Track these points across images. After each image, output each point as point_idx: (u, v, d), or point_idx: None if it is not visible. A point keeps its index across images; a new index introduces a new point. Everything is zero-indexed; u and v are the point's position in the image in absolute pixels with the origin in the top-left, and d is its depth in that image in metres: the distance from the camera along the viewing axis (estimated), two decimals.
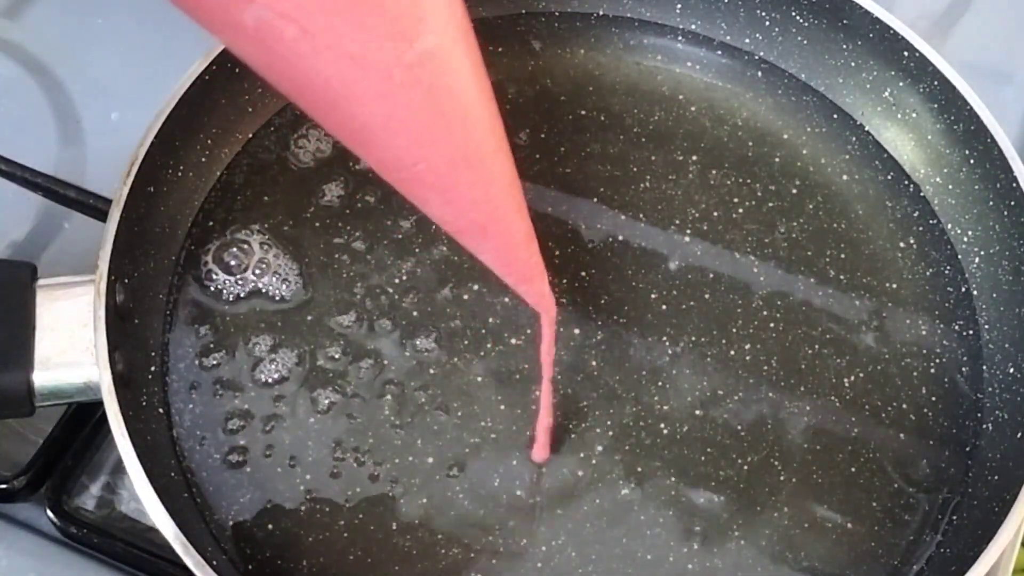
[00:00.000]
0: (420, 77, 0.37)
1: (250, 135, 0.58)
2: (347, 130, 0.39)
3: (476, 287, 0.54)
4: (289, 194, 0.56)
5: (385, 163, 0.41)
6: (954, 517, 0.50)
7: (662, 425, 0.51)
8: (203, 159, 0.56)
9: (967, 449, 0.52)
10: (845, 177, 0.59)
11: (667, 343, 0.53)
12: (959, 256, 0.57)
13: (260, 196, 0.56)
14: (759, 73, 0.62)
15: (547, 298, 0.47)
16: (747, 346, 0.53)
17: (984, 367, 0.54)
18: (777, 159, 0.59)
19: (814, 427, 0.52)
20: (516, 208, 0.43)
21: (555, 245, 0.55)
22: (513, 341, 0.53)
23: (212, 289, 0.53)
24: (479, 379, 0.52)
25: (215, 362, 0.52)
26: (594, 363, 0.53)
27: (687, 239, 0.56)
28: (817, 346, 0.54)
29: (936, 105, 0.57)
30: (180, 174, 0.55)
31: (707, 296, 0.55)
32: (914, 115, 0.58)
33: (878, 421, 0.52)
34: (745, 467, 0.51)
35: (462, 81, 0.38)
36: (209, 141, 0.56)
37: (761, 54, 0.62)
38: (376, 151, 0.40)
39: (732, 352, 0.53)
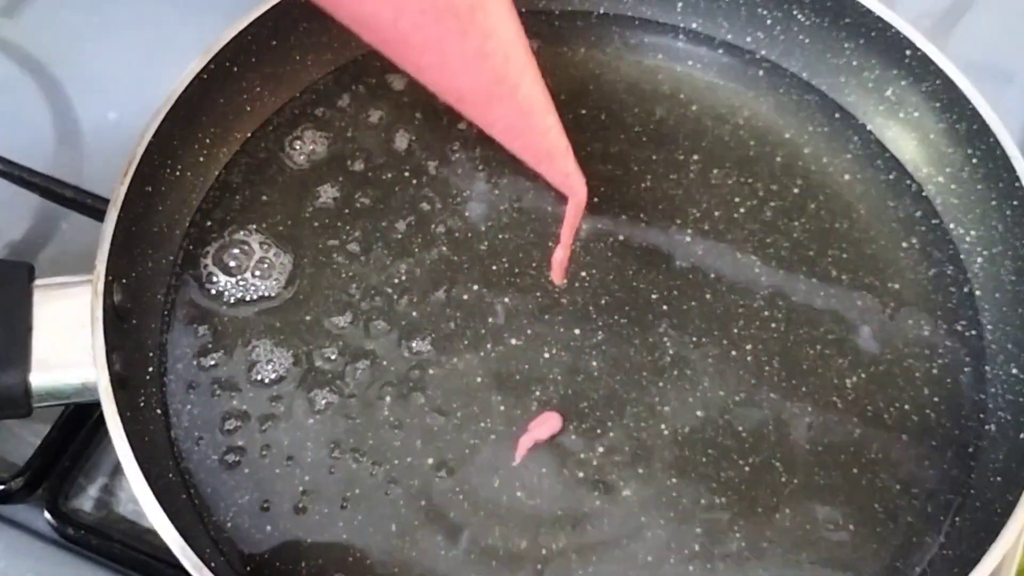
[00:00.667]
0: None
1: (248, 134, 0.57)
2: None
3: (476, 287, 0.54)
4: (286, 195, 0.56)
5: (367, 23, 0.37)
6: (956, 519, 0.50)
7: (662, 426, 0.51)
8: (201, 159, 0.56)
9: (970, 450, 0.52)
10: (847, 177, 0.59)
11: (667, 343, 0.53)
12: (961, 256, 0.57)
13: (258, 196, 0.56)
14: (760, 72, 0.61)
15: (573, 177, 0.43)
16: (748, 346, 0.53)
17: (987, 368, 0.54)
18: (779, 158, 0.59)
19: (816, 428, 0.52)
20: (522, 71, 0.39)
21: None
22: (513, 341, 0.53)
23: (210, 290, 0.53)
24: (479, 379, 0.52)
25: (213, 362, 0.51)
26: (594, 363, 0.52)
27: (688, 239, 0.56)
28: (819, 346, 0.54)
29: (938, 104, 0.57)
30: (178, 174, 0.54)
31: (708, 296, 0.54)
32: (916, 114, 0.58)
33: (880, 422, 0.52)
34: (746, 468, 0.51)
35: None
36: (207, 141, 0.56)
37: (763, 53, 0.62)
38: (352, 7, 0.37)
39: (733, 352, 0.53)
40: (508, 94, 0.40)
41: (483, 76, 0.39)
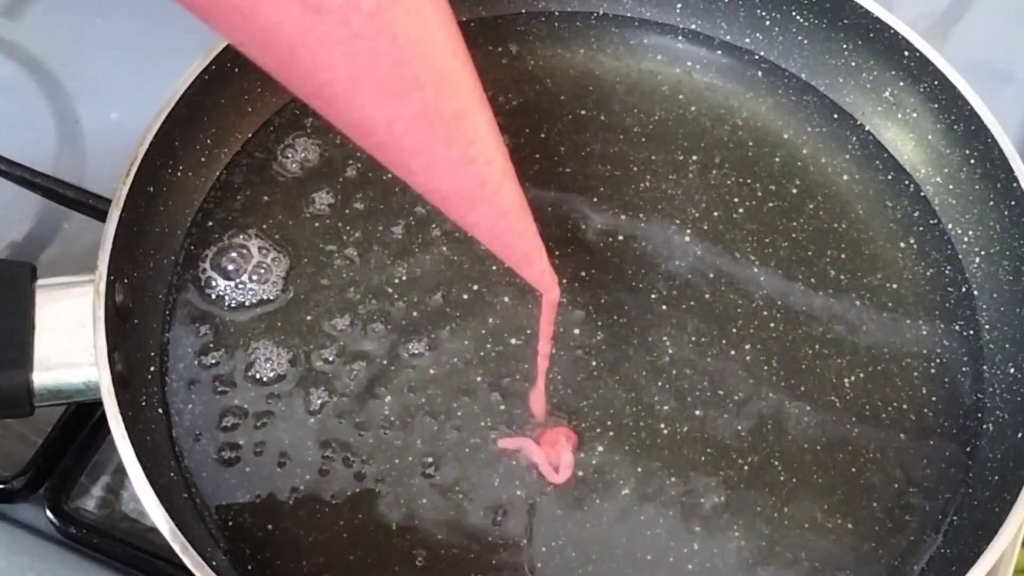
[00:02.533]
0: (380, 25, 0.36)
1: (249, 135, 0.57)
2: (311, 86, 0.38)
3: (476, 287, 0.54)
4: (286, 197, 0.56)
5: (357, 125, 0.39)
6: (954, 517, 0.50)
7: (662, 425, 0.51)
8: (202, 159, 0.56)
9: (967, 449, 0.52)
10: (845, 177, 0.59)
11: (667, 343, 0.53)
12: (959, 256, 0.57)
13: (259, 197, 0.56)
14: (759, 73, 0.62)
15: (547, 277, 0.46)
16: (747, 346, 0.53)
17: (984, 367, 0.54)
18: (777, 159, 0.59)
19: (814, 427, 0.52)
20: (502, 174, 0.42)
21: (555, 245, 0.55)
22: (513, 341, 0.53)
23: (209, 294, 0.53)
24: (478, 379, 0.52)
25: (213, 361, 0.52)
26: (594, 363, 0.53)
27: (687, 239, 0.56)
28: (817, 346, 0.54)
29: (936, 105, 0.57)
30: (179, 174, 0.54)
31: (707, 296, 0.55)
32: (914, 115, 0.58)
33: (878, 421, 0.52)
34: (745, 467, 0.51)
35: (428, 31, 0.37)
36: (208, 141, 0.56)
37: (761, 53, 0.62)
38: (344, 110, 0.39)
39: (732, 352, 0.53)
40: (489, 197, 0.42)
41: (467, 179, 0.41)
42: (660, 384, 0.52)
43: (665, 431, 0.51)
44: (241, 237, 0.55)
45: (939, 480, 0.51)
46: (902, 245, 0.57)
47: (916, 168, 0.59)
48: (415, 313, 0.53)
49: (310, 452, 0.50)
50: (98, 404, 0.46)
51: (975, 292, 0.56)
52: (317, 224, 0.55)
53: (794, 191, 0.58)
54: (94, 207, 0.57)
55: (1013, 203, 0.54)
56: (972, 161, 0.56)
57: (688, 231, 0.56)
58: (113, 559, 0.51)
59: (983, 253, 0.56)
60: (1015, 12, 0.72)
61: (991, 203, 0.55)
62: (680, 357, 0.53)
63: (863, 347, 0.54)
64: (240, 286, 0.53)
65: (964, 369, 0.54)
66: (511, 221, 0.43)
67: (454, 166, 0.40)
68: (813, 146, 0.60)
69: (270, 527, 0.49)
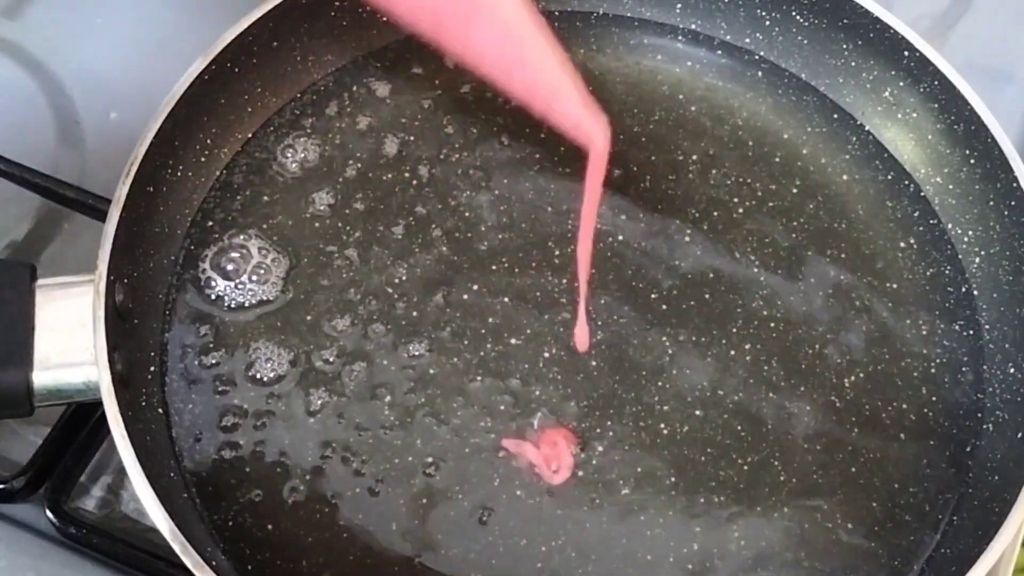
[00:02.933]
0: None
1: (249, 135, 0.57)
2: None
3: (476, 287, 0.54)
4: (286, 197, 0.56)
5: None
6: (954, 517, 0.50)
7: (662, 425, 0.51)
8: (202, 159, 0.56)
9: (967, 449, 0.52)
10: (845, 177, 0.59)
11: (667, 343, 0.53)
12: (959, 256, 0.57)
13: (259, 197, 0.56)
14: (759, 73, 0.62)
15: (588, 120, 0.40)
16: (747, 346, 0.53)
17: (984, 367, 0.54)
18: (777, 159, 0.59)
19: (814, 427, 0.52)
20: None
21: (554, 246, 0.55)
22: (513, 341, 0.53)
23: (210, 291, 0.53)
24: (478, 379, 0.52)
25: (213, 361, 0.52)
26: (594, 363, 0.53)
27: (687, 239, 0.56)
28: (817, 346, 0.54)
29: (936, 105, 0.57)
30: (179, 174, 0.54)
31: (707, 296, 0.55)
32: (914, 115, 0.58)
33: (878, 421, 0.52)
34: (745, 467, 0.51)
35: None
36: (208, 141, 0.56)
37: (761, 53, 0.62)
38: None
39: (732, 352, 0.53)
40: (487, 12, 0.36)
41: None
42: (660, 384, 0.52)
43: (665, 431, 0.51)
44: (241, 237, 0.55)
45: (939, 480, 0.51)
46: (902, 245, 0.57)
47: (916, 168, 0.59)
48: (415, 313, 0.53)
49: (310, 452, 0.50)
50: (98, 404, 0.46)
51: (975, 292, 0.56)
52: (317, 224, 0.55)
53: (794, 191, 0.58)
54: (94, 207, 0.57)
55: (1013, 203, 0.54)
56: (972, 161, 0.56)
57: (687, 231, 0.56)
58: (113, 559, 0.51)
59: (983, 253, 0.56)
60: (1015, 12, 0.72)
61: (991, 203, 0.55)
62: (680, 357, 0.53)
63: (863, 347, 0.54)
64: (240, 286, 0.53)
65: (964, 369, 0.54)
66: (523, 49, 0.37)
67: None
68: (813, 146, 0.60)
69: (270, 527, 0.49)
